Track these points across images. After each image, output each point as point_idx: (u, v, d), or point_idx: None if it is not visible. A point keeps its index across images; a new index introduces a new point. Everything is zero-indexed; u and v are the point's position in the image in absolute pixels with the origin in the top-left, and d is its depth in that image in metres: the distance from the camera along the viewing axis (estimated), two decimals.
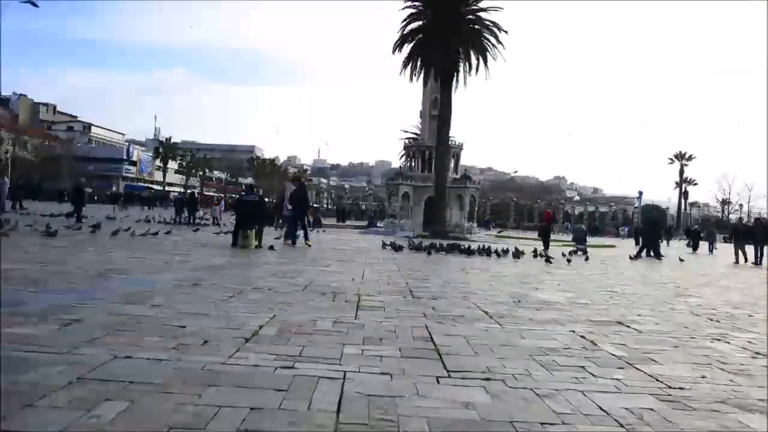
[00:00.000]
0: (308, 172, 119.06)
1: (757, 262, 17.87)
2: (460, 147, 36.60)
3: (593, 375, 3.30)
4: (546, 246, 19.09)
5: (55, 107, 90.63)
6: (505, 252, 14.73)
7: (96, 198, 48.34)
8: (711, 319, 5.82)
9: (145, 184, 79.88)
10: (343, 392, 2.71)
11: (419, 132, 41.63)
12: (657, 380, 3.26)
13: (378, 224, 37.87)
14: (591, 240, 22.18)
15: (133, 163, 79.97)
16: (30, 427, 2.09)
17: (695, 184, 77.53)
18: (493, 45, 29.12)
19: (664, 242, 29.22)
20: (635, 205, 78.06)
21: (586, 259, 15.34)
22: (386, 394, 2.71)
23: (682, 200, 76.31)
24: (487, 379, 3.07)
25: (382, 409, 2.50)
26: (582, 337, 4.44)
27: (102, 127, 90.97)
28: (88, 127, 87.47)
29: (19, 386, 2.50)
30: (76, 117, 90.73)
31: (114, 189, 66.79)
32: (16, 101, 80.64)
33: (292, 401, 2.53)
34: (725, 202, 77.59)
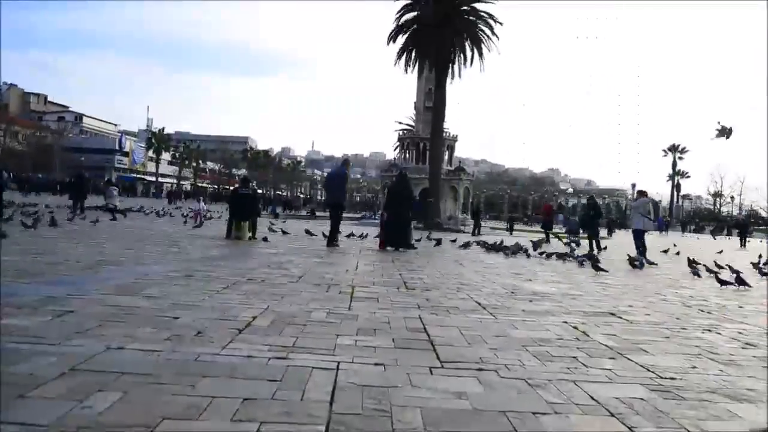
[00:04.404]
0: (302, 164, 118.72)
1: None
2: (455, 139, 36.59)
3: (585, 365, 3.32)
4: (547, 238, 19.14)
5: (46, 97, 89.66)
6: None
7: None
8: (702, 310, 5.87)
9: (138, 175, 79.40)
10: (337, 382, 2.71)
11: (413, 124, 41.57)
12: (648, 370, 3.28)
13: (374, 216, 37.87)
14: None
15: (126, 154, 79.32)
16: (22, 418, 2.08)
17: (688, 176, 77.96)
18: (488, 36, 29.07)
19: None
20: (628, 197, 78.36)
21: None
22: (379, 385, 2.72)
23: (675, 193, 76.68)
24: (480, 370, 3.09)
25: (376, 399, 2.51)
26: (574, 327, 4.47)
27: (94, 118, 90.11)
28: (79, 117, 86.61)
29: (11, 377, 2.49)
30: (67, 107, 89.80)
31: (106, 180, 66.24)
32: (6, 91, 79.69)
33: (286, 392, 2.54)
34: (717, 195, 78.06)
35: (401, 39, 29.58)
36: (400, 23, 29.69)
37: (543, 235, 19.26)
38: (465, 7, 29.54)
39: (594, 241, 15.87)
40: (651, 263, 11.62)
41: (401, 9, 29.85)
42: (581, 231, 20.69)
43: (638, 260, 11.16)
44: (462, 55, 29.03)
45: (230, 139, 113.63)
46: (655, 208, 15.89)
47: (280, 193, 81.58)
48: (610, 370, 3.25)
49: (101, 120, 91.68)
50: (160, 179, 78.10)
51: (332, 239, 11.81)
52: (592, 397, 2.72)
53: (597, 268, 9.59)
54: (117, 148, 77.87)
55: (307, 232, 15.02)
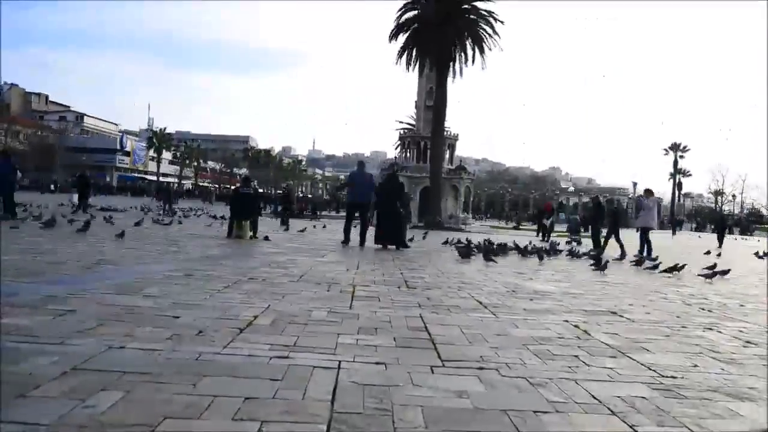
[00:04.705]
0: (303, 163, 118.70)
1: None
2: (456, 137, 36.59)
3: (586, 364, 3.32)
4: (545, 236, 19.37)
5: (47, 97, 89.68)
6: None
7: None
8: (702, 309, 5.87)
9: (139, 175, 79.44)
10: (338, 382, 2.71)
11: (414, 122, 41.57)
12: (649, 369, 3.28)
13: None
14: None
15: (127, 154, 79.31)
16: (23, 418, 2.08)
17: (689, 175, 77.96)
18: (488, 35, 29.05)
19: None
20: (629, 196, 78.41)
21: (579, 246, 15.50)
22: (381, 384, 2.72)
23: (676, 191, 76.63)
24: (481, 369, 3.09)
25: (377, 398, 2.51)
26: (575, 326, 4.47)
27: (95, 117, 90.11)
28: (80, 117, 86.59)
29: (11, 377, 2.49)
30: (68, 107, 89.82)
31: (108, 180, 66.38)
32: (7, 91, 79.68)
33: (287, 391, 2.53)
34: (718, 193, 77.99)
35: (402, 38, 29.59)
36: (401, 22, 29.69)
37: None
38: (466, 6, 29.52)
39: (595, 240, 15.91)
40: (654, 261, 11.22)
41: (402, 7, 29.85)
42: (582, 230, 20.71)
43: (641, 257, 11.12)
44: (463, 54, 29.02)
45: (231, 139, 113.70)
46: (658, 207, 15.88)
47: (280, 192, 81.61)
48: (611, 368, 3.24)
49: (102, 119, 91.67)
50: (161, 179, 78.11)
51: (362, 239, 12.42)
52: (593, 396, 2.72)
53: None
54: (118, 147, 77.83)
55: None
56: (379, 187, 12.73)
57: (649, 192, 14.74)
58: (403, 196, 12.79)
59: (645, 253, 13.04)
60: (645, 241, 13.62)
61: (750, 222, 64.92)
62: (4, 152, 16.34)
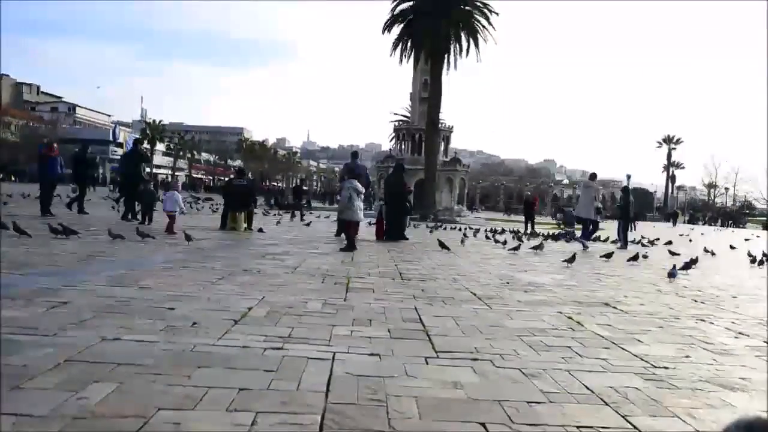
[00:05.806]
0: (297, 155, 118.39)
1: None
2: (450, 130, 36.55)
3: (579, 355, 3.34)
4: (530, 227, 19.84)
5: (38, 88, 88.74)
6: None
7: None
8: (696, 300, 5.91)
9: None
10: (333, 373, 2.72)
11: (409, 114, 41.49)
12: (642, 360, 3.31)
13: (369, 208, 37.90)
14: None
15: (120, 145, 78.69)
16: (18, 409, 2.07)
17: (682, 167, 78.32)
18: (483, 27, 28.93)
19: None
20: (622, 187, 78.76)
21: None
22: (375, 375, 2.73)
23: (670, 183, 76.98)
24: (475, 360, 3.10)
25: (371, 389, 2.52)
26: (569, 318, 4.49)
27: (87, 108, 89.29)
28: (73, 108, 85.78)
29: (6, 368, 2.48)
30: (60, 98, 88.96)
31: (101, 171, 65.81)
32: None
33: (282, 382, 2.54)
34: (711, 186, 78.36)
35: (397, 29, 29.43)
36: (395, 13, 29.52)
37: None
38: None
39: (624, 229, 14.37)
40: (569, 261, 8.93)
41: None
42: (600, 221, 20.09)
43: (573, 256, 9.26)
44: (458, 46, 28.91)
45: (225, 130, 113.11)
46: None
47: (275, 184, 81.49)
48: (604, 359, 3.27)
49: (95, 111, 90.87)
50: (155, 170, 77.65)
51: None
52: (586, 387, 2.73)
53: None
54: (111, 139, 77.19)
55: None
56: (384, 183, 12.90)
57: (592, 176, 14.29)
58: (405, 192, 12.90)
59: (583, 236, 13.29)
60: (584, 228, 13.84)
61: (742, 214, 65.44)
62: None
